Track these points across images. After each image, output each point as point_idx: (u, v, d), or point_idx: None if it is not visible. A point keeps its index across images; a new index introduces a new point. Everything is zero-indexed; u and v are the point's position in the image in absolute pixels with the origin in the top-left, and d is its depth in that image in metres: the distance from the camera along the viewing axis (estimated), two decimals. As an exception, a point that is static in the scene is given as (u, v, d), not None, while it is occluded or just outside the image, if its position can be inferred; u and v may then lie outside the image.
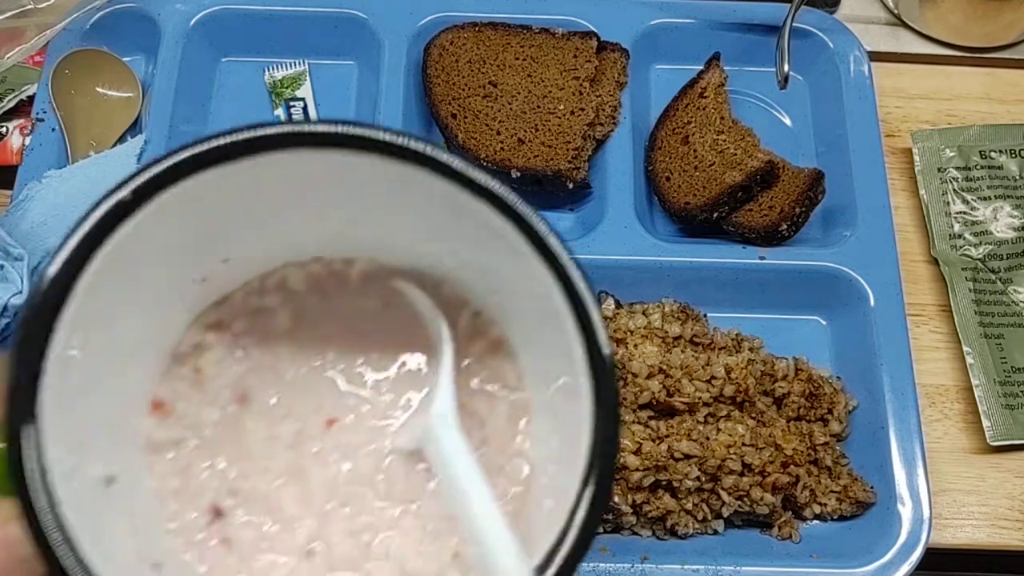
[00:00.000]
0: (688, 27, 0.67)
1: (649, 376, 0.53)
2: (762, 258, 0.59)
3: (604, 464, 0.24)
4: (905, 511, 0.53)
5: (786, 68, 0.62)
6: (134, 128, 0.63)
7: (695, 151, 0.63)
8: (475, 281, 0.31)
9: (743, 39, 0.67)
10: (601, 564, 0.51)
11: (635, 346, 0.55)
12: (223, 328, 0.31)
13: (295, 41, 0.66)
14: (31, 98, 0.63)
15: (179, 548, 0.26)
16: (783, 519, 0.54)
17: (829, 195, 0.61)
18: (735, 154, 0.62)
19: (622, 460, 0.51)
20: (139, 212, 0.25)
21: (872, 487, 0.54)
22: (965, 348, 0.59)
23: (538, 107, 0.63)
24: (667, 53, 0.68)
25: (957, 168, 0.64)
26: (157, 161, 0.25)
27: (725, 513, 0.53)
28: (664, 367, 0.54)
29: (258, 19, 0.66)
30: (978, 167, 0.64)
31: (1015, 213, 0.63)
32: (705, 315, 0.59)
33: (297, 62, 0.67)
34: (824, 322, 0.61)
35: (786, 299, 0.60)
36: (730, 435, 0.53)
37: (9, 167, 0.62)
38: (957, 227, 0.63)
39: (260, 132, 0.26)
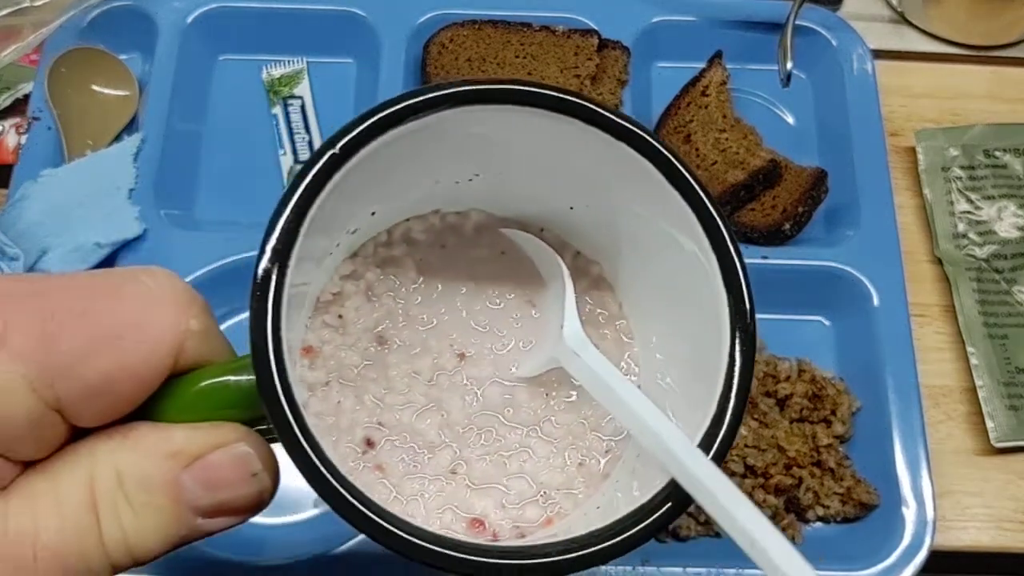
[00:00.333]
0: (690, 25, 0.67)
1: (651, 377, 0.53)
2: (765, 258, 0.59)
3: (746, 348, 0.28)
4: (909, 513, 0.52)
5: (789, 66, 0.61)
6: (131, 126, 0.63)
7: (697, 150, 0.62)
8: (584, 225, 0.35)
9: (745, 37, 0.67)
10: (601, 566, 0.51)
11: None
12: (357, 277, 0.34)
13: (293, 39, 0.66)
14: (27, 96, 0.63)
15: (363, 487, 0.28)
16: (786, 521, 0.53)
17: (832, 194, 0.61)
18: (737, 153, 0.62)
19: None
20: (344, 166, 0.28)
21: (876, 489, 0.54)
22: (969, 349, 0.59)
23: (538, 105, 0.63)
24: (669, 51, 0.67)
25: (961, 167, 0.64)
26: (364, 117, 0.28)
27: (727, 515, 0.52)
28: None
29: (256, 16, 0.66)
30: (982, 166, 0.64)
31: (1020, 212, 0.62)
32: (707, 315, 0.59)
33: (295, 60, 0.67)
34: (827, 322, 0.60)
35: (789, 299, 0.59)
36: (732, 437, 0.52)
37: (5, 166, 0.62)
38: (961, 227, 0.62)
39: (449, 90, 0.29)
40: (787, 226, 0.60)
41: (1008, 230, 0.62)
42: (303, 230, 0.27)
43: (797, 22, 0.63)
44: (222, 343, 0.28)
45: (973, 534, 0.55)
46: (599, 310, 0.36)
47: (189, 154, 0.63)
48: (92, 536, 0.25)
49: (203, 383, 0.27)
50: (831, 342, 0.60)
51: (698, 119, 0.63)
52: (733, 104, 0.65)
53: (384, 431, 0.32)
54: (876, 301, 0.58)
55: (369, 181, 0.30)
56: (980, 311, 0.60)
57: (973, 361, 0.58)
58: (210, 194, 0.63)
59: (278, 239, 0.27)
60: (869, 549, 0.52)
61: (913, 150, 0.65)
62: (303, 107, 0.65)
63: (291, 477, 0.27)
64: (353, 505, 0.25)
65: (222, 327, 0.57)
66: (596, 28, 0.66)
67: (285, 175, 0.63)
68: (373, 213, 0.34)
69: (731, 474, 0.52)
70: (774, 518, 0.53)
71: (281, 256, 0.27)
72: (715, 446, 0.28)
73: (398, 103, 0.29)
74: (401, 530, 0.26)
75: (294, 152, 0.64)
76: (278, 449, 0.27)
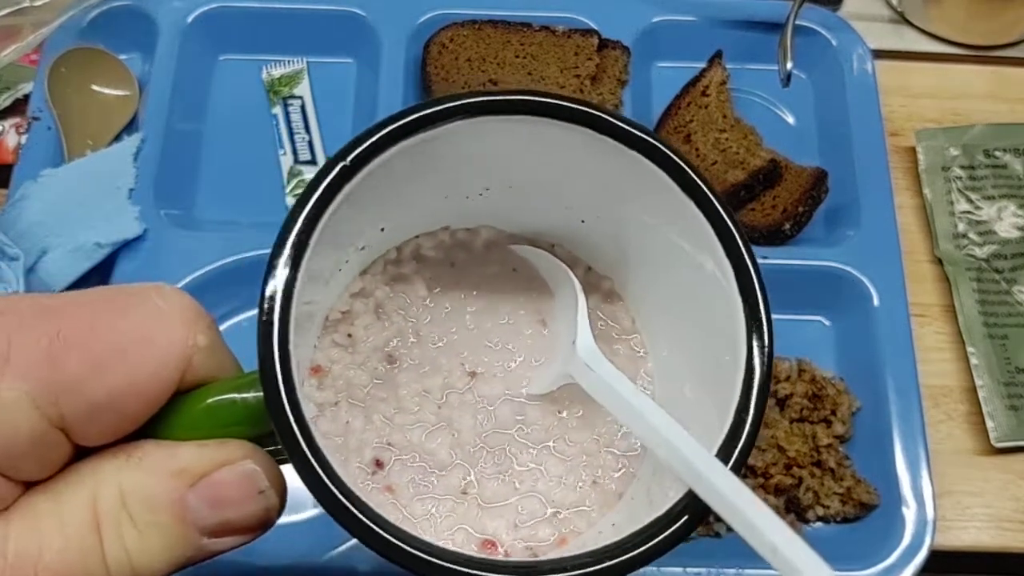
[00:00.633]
0: (690, 25, 0.67)
1: (651, 377, 0.53)
2: (765, 258, 0.59)
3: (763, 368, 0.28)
4: (909, 513, 0.52)
5: (789, 66, 0.61)
6: (131, 126, 0.63)
7: (697, 150, 0.62)
8: (595, 240, 0.35)
9: (745, 37, 0.67)
10: None
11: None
12: (367, 295, 0.34)
13: (293, 39, 0.66)
14: (27, 96, 0.63)
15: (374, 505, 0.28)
16: (786, 521, 0.53)
17: (832, 194, 0.61)
18: (737, 153, 0.61)
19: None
20: (354, 177, 0.28)
21: (876, 489, 0.54)
22: (969, 348, 0.59)
23: (538, 105, 0.63)
24: (669, 51, 0.67)
25: (961, 167, 0.64)
26: (375, 129, 0.28)
27: (727, 516, 0.52)
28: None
29: (256, 16, 0.66)
30: (983, 166, 0.64)
31: (1020, 212, 0.62)
32: (707, 315, 0.59)
33: (295, 60, 0.66)
34: (827, 322, 0.60)
35: (789, 299, 0.59)
36: (732, 437, 0.52)
37: (5, 166, 0.62)
38: (961, 227, 0.62)
39: (460, 101, 0.29)
40: (787, 226, 0.59)
41: (1008, 230, 0.62)
42: (311, 244, 0.27)
43: (797, 22, 0.63)
44: (229, 359, 0.28)
45: (973, 534, 0.55)
46: (612, 324, 0.36)
47: (189, 154, 0.63)
48: (95, 556, 0.25)
49: (209, 400, 0.27)
50: (831, 342, 0.60)
51: (698, 119, 0.63)
52: (733, 104, 0.64)
53: (394, 451, 0.32)
54: (876, 301, 0.58)
55: (379, 194, 0.30)
56: (980, 311, 0.60)
57: (973, 361, 0.58)
58: (210, 194, 0.62)
59: (288, 255, 0.27)
60: (869, 549, 0.52)
61: (913, 150, 0.65)
62: (303, 107, 0.65)
63: (290, 477, 0.27)
64: (361, 520, 0.25)
65: (222, 327, 0.58)
66: (596, 28, 0.66)
67: (285, 175, 0.63)
68: (383, 229, 0.33)
69: (731, 474, 0.52)
70: (774, 518, 0.53)
71: (290, 272, 0.26)
72: (734, 456, 0.27)
73: (410, 114, 0.29)
74: (410, 545, 0.25)
75: (294, 152, 0.64)
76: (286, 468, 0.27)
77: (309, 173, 0.63)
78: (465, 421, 0.33)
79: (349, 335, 0.34)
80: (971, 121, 0.66)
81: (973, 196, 0.63)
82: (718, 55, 0.65)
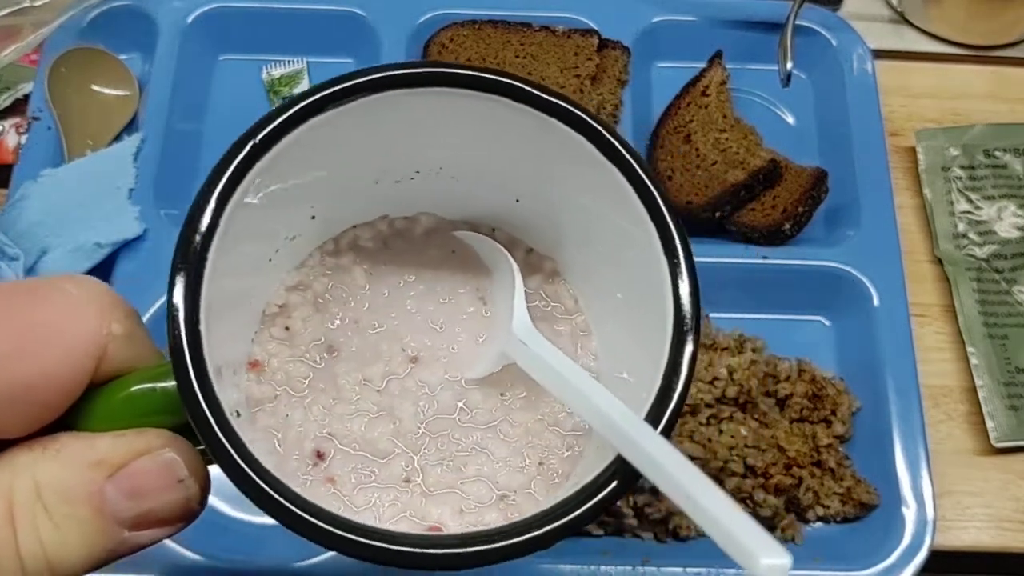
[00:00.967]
0: (690, 25, 0.67)
1: (651, 377, 0.53)
2: (765, 258, 0.59)
3: (693, 326, 0.28)
4: (909, 513, 0.52)
5: (789, 66, 0.61)
6: (131, 126, 0.63)
7: (697, 150, 0.62)
8: (533, 219, 0.34)
9: (745, 37, 0.67)
10: (602, 567, 0.51)
11: (636, 347, 0.54)
12: (304, 288, 0.34)
13: (293, 39, 0.66)
14: (27, 96, 0.63)
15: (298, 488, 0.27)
16: (786, 521, 0.53)
17: (832, 194, 0.61)
18: (737, 153, 0.61)
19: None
20: (265, 156, 0.27)
21: (876, 489, 0.54)
22: (969, 348, 0.59)
23: (538, 105, 0.63)
24: (669, 51, 0.67)
25: (961, 167, 0.64)
26: (283, 107, 0.28)
27: (727, 515, 0.52)
28: (666, 368, 0.53)
29: (256, 16, 0.66)
30: (983, 166, 0.64)
31: (1020, 212, 0.62)
32: (707, 315, 0.59)
33: (295, 60, 0.66)
34: (827, 322, 0.60)
35: (789, 299, 0.59)
36: (732, 437, 0.52)
37: (5, 166, 0.62)
38: (961, 226, 0.62)
39: (367, 76, 0.29)
40: (787, 226, 0.59)
41: (1008, 230, 0.62)
42: (222, 225, 0.26)
43: (797, 22, 0.63)
44: (149, 349, 0.27)
45: (973, 534, 0.55)
46: (555, 304, 0.35)
47: (189, 154, 0.63)
48: (8, 550, 0.24)
49: (129, 389, 0.26)
50: (831, 342, 0.60)
51: (698, 119, 0.63)
52: (733, 104, 0.64)
53: (335, 442, 0.32)
54: (876, 301, 0.58)
55: (299, 176, 0.29)
56: (980, 311, 0.60)
57: (973, 361, 0.58)
58: (210, 194, 0.62)
59: (202, 233, 0.26)
60: (869, 549, 0.52)
61: (913, 150, 0.65)
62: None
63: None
64: (272, 496, 0.25)
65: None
66: (596, 28, 0.66)
67: (285, 175, 0.63)
68: (313, 217, 0.33)
69: (732, 474, 0.52)
70: (774, 518, 0.53)
71: (199, 249, 0.26)
72: (664, 420, 0.27)
73: (318, 92, 0.28)
74: (319, 519, 0.25)
75: (294, 152, 0.64)
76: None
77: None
78: (406, 408, 0.32)
79: (287, 328, 0.33)
80: (971, 121, 0.66)
81: (973, 196, 0.63)
82: (718, 55, 0.65)
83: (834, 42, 0.66)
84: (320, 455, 0.31)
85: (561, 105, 0.29)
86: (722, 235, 0.61)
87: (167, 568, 0.50)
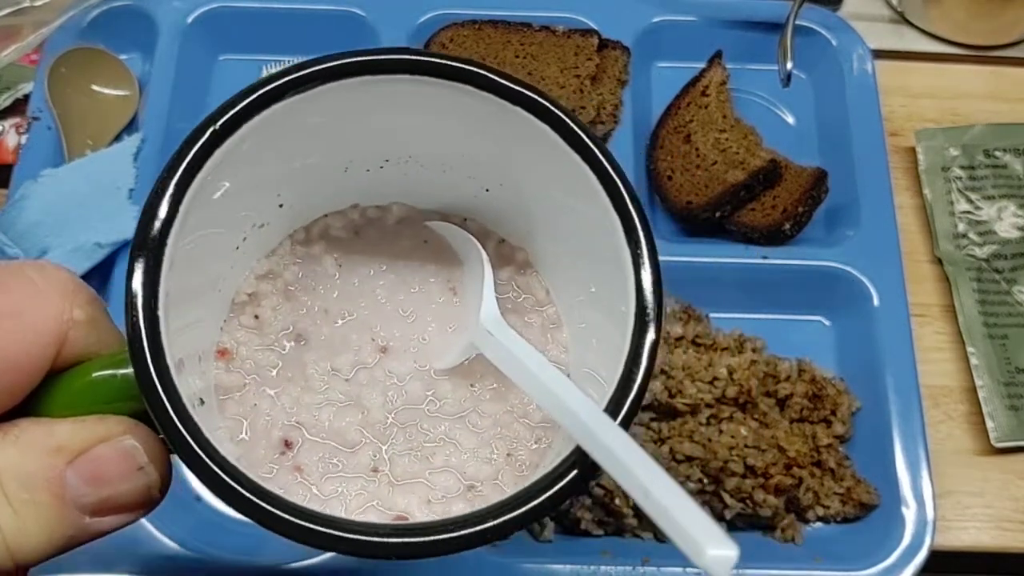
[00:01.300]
0: (690, 25, 0.67)
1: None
2: (765, 258, 0.59)
3: (656, 318, 0.28)
4: (909, 513, 0.52)
5: (789, 66, 0.61)
6: (131, 126, 0.63)
7: (697, 150, 0.62)
8: (503, 210, 0.34)
9: (745, 37, 0.67)
10: (602, 567, 0.51)
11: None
12: (274, 276, 0.34)
13: (293, 39, 0.66)
14: (27, 96, 0.63)
15: (255, 477, 0.27)
16: (786, 521, 0.53)
17: (832, 194, 0.61)
18: (737, 153, 0.61)
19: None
20: (225, 142, 0.27)
21: (876, 489, 0.54)
22: (969, 349, 0.59)
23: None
24: (669, 51, 0.67)
25: (961, 167, 0.64)
26: (245, 93, 0.28)
27: (727, 516, 0.52)
28: (666, 368, 0.53)
29: (256, 16, 0.66)
30: (983, 166, 0.64)
31: (1020, 212, 0.62)
32: (707, 315, 0.59)
33: (295, 60, 0.66)
34: (827, 322, 0.60)
35: (789, 299, 0.59)
36: (732, 437, 0.52)
37: (5, 166, 0.62)
38: (961, 227, 0.62)
39: (327, 64, 0.28)
40: (787, 226, 0.59)
41: (1008, 230, 0.62)
42: (182, 211, 0.26)
43: (797, 22, 0.63)
44: (113, 335, 0.27)
45: (973, 534, 0.55)
46: (526, 295, 0.35)
47: (189, 154, 0.63)
48: None
49: (90, 375, 0.26)
50: (831, 342, 0.60)
51: (698, 119, 0.63)
52: (733, 104, 0.64)
53: (303, 431, 0.32)
54: (876, 301, 0.58)
55: (263, 163, 0.29)
56: (980, 311, 0.60)
57: (973, 361, 0.58)
58: (210, 194, 0.62)
59: (160, 220, 0.26)
60: (869, 549, 0.52)
61: (913, 150, 0.65)
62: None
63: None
64: (228, 484, 0.25)
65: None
66: (596, 28, 0.66)
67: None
68: (280, 205, 0.33)
69: (732, 474, 0.52)
70: (774, 518, 0.53)
71: (158, 236, 0.26)
72: (623, 411, 0.27)
73: (279, 78, 0.28)
74: (277, 507, 0.25)
75: (294, 152, 0.64)
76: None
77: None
78: (375, 398, 0.32)
79: (256, 316, 0.33)
80: (971, 121, 0.66)
81: (973, 196, 0.63)
82: (718, 55, 0.65)
83: (834, 42, 0.66)
84: (288, 444, 0.31)
85: (524, 93, 0.29)
86: (722, 235, 0.61)
87: (167, 568, 0.50)
